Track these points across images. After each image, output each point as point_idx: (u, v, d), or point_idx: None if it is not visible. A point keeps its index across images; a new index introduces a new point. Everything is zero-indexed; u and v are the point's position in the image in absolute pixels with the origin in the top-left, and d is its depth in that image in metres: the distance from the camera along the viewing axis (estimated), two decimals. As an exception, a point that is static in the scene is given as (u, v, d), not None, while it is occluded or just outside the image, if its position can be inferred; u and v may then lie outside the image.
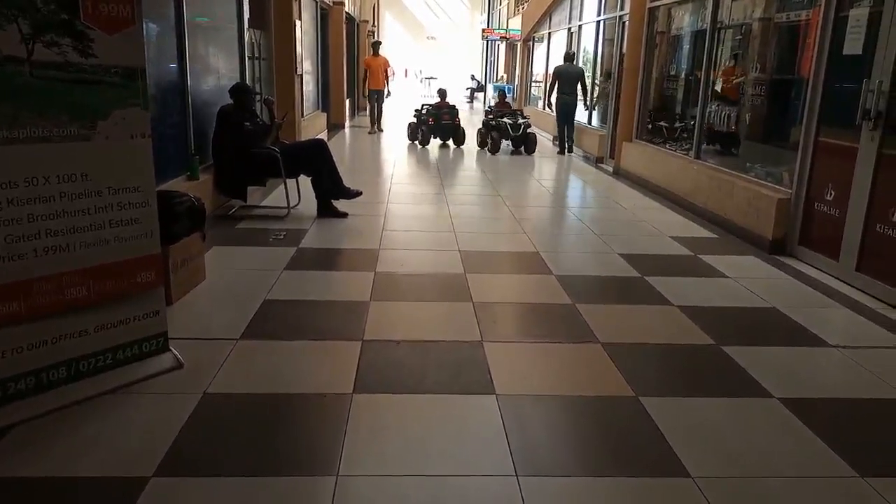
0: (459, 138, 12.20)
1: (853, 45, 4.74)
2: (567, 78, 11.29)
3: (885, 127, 4.35)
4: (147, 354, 3.03)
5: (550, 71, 13.20)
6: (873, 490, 2.33)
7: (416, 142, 12.27)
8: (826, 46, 5.01)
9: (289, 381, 2.97)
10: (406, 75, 39.45)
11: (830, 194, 4.91)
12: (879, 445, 2.66)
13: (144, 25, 4.89)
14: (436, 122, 12.09)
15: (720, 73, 7.17)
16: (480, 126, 11.98)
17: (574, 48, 13.38)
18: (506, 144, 11.56)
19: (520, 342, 3.57)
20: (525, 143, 11.40)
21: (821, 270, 4.89)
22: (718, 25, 7.16)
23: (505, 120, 11.28)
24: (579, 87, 11.35)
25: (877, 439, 2.72)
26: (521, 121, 11.35)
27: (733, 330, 3.76)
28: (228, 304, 3.89)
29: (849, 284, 4.57)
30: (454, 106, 12.54)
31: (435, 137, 12.28)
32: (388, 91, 14.98)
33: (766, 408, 2.89)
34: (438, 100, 12.58)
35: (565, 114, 11.46)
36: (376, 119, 14.05)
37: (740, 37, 7.08)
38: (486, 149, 11.44)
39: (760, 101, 6.48)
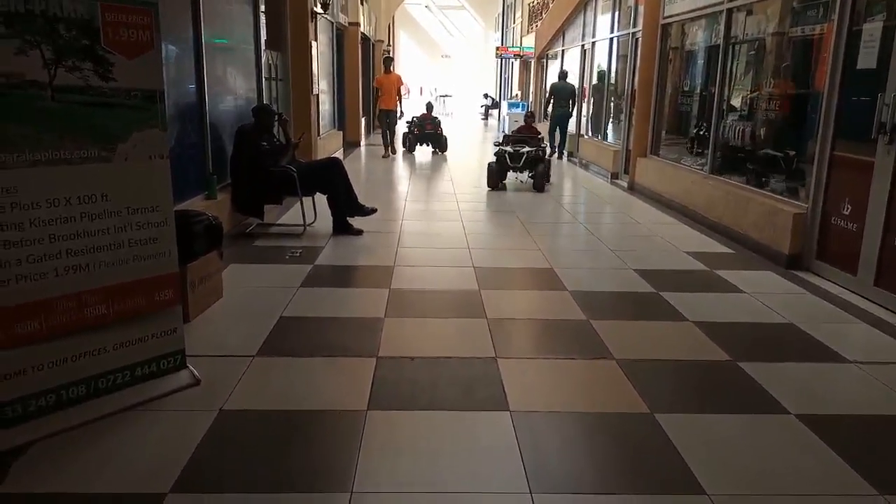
0: (441, 146, 13.99)
1: (867, 59, 4.73)
2: (561, 93, 13.12)
3: (901, 140, 4.33)
4: (164, 372, 3.07)
5: (547, 87, 15.03)
6: (893, 508, 2.29)
7: (405, 149, 14.06)
8: (840, 61, 5.00)
9: (304, 397, 2.99)
10: (421, 93, 39.79)
11: (847, 209, 4.87)
12: (899, 462, 2.63)
13: (163, 48, 5.01)
14: (420, 132, 13.95)
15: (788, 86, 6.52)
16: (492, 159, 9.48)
17: (588, 65, 13.52)
18: (514, 178, 9.56)
19: (534, 358, 3.57)
20: (534, 175, 9.25)
21: (838, 285, 4.84)
22: (732, 40, 7.16)
23: (507, 148, 9.31)
24: (572, 101, 13.19)
25: (894, 454, 2.68)
26: (525, 148, 9.27)
27: (749, 346, 3.73)
28: (245, 321, 3.93)
29: (867, 299, 4.52)
30: (436, 117, 14.35)
31: (421, 145, 14.14)
32: (401, 111, 13.55)
33: (784, 424, 2.86)
34: (425, 112, 14.30)
35: (559, 123, 13.25)
36: (390, 142, 13.06)
37: (754, 52, 7.08)
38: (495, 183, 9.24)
39: (775, 116, 6.46)
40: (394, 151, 13.31)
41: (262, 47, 7.65)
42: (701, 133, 8.72)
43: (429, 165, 12.31)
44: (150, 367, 3.02)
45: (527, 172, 9.29)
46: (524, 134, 10.21)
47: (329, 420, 2.81)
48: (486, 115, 28.32)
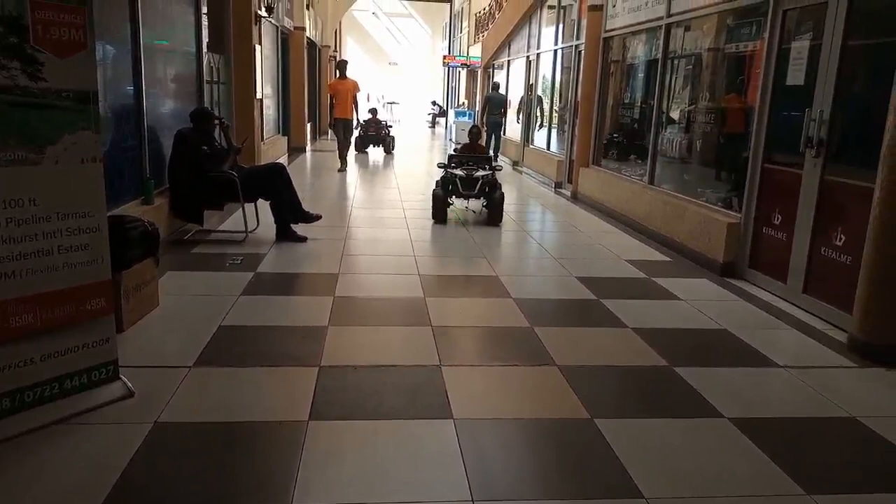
0: (386, 147, 15.52)
1: (795, 75, 4.95)
2: (495, 102, 14.62)
3: (826, 154, 4.54)
4: (96, 384, 2.96)
5: (482, 97, 16.78)
6: (819, 507, 2.39)
7: (359, 151, 15.07)
8: (771, 77, 5.21)
9: (243, 408, 2.92)
10: (368, 100, 39.58)
11: (778, 218, 5.08)
12: (826, 463, 2.74)
13: (99, 48, 4.86)
14: (366, 134, 15.26)
15: (722, 100, 6.55)
16: (437, 182, 7.79)
17: (533, 76, 13.76)
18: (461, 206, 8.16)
19: (478, 366, 3.58)
20: (489, 204, 7.53)
21: (770, 292, 5.03)
22: (671, 55, 7.39)
23: (455, 171, 7.57)
24: (503, 110, 14.66)
25: (823, 457, 2.80)
26: (479, 172, 7.53)
27: (686, 351, 3.84)
28: (182, 330, 3.82)
29: (796, 306, 4.72)
30: (381, 121, 15.99)
31: (367, 146, 15.55)
32: (358, 121, 12.46)
33: (718, 428, 2.95)
34: (370, 117, 15.51)
35: (493, 130, 14.49)
36: (345, 154, 11.82)
37: (691, 66, 7.32)
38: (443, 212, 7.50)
39: (711, 129, 6.69)
40: (344, 167, 11.88)
41: (204, 50, 7.49)
42: (615, 139, 9.04)
43: (375, 173, 12.26)
44: (80, 379, 2.90)
45: (480, 201, 7.72)
46: (471, 154, 8.28)
47: (269, 432, 2.75)
48: (434, 123, 28.44)
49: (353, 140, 12.13)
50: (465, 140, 9.15)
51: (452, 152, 8.39)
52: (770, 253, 5.16)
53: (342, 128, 11.65)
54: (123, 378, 3.04)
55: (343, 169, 11.68)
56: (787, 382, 3.50)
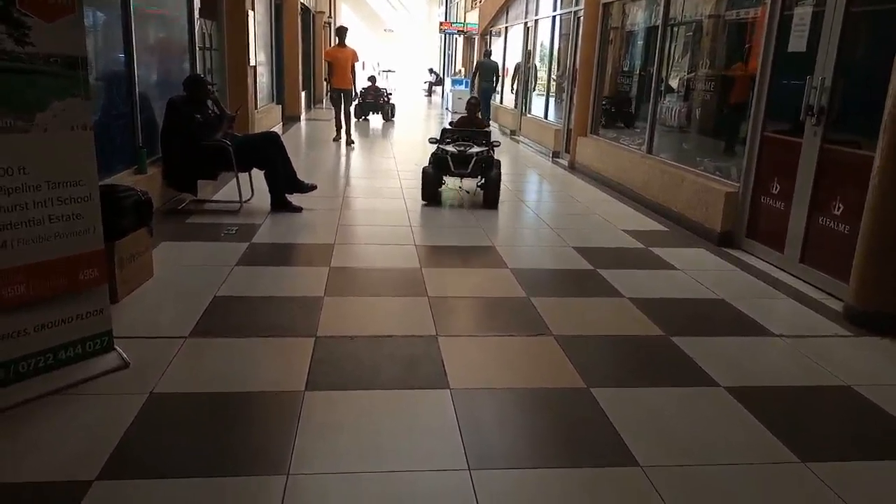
0: (385, 114, 15.80)
1: (797, 42, 4.87)
2: (486, 69, 14.89)
3: (827, 123, 4.49)
4: (91, 354, 2.94)
5: (475, 63, 17.34)
6: (814, 475, 2.40)
7: (361, 119, 15.14)
8: (772, 44, 5.14)
9: (239, 379, 2.91)
10: (363, 68, 39.06)
11: (776, 188, 5.05)
12: (821, 432, 2.76)
13: (89, 14, 4.76)
14: (365, 101, 15.49)
15: (723, 68, 6.50)
16: (429, 159, 6.99)
17: (531, 42, 13.58)
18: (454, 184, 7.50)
19: (474, 336, 3.58)
20: (484, 184, 6.78)
21: (767, 262, 5.03)
22: (671, 22, 7.28)
23: (448, 148, 6.84)
24: (495, 77, 15.05)
25: (818, 426, 2.82)
26: (473, 149, 6.82)
27: (682, 321, 3.84)
28: (177, 301, 3.81)
29: (793, 275, 4.71)
30: (379, 88, 16.12)
31: (368, 113, 15.70)
32: (356, 92, 12.09)
33: (713, 397, 2.96)
34: (369, 84, 15.85)
35: (484, 97, 14.49)
36: (344, 125, 11.22)
37: (691, 34, 7.22)
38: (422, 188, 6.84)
39: (710, 97, 6.62)
40: (351, 141, 11.25)
41: (196, 16, 7.35)
42: (614, 108, 8.98)
43: (371, 142, 12.15)
44: (74, 350, 2.89)
45: (475, 180, 6.99)
46: (468, 128, 7.55)
47: (265, 402, 2.75)
48: (430, 92, 28.12)
49: (352, 111, 11.59)
50: (463, 111, 8.78)
51: (448, 125, 7.67)
52: (768, 222, 5.14)
53: (341, 98, 11.11)
54: (118, 349, 3.03)
55: (338, 139, 11.26)
56: (782, 351, 3.51)
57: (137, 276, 3.95)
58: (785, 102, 5.01)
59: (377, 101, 15.84)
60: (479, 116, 8.21)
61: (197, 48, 7.34)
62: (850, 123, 4.56)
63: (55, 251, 2.74)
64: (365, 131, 13.94)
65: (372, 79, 16.26)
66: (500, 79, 15.44)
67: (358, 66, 11.38)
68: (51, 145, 2.68)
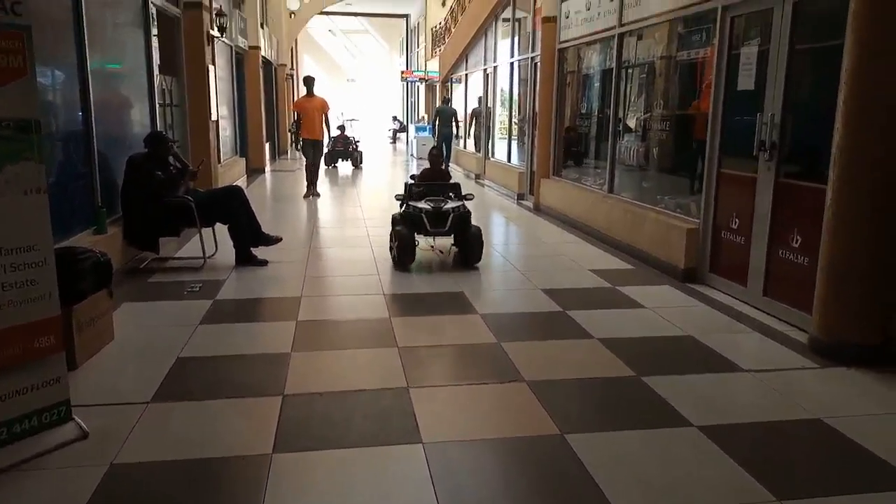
0: (354, 162, 16.56)
1: (746, 81, 5.04)
2: (445, 115, 15.63)
3: (779, 157, 4.63)
4: (47, 426, 2.83)
5: (434, 110, 17.81)
6: (790, 513, 2.39)
7: (330, 166, 16.07)
8: (722, 83, 5.30)
9: (204, 444, 2.82)
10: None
11: (735, 223, 5.15)
12: (794, 467, 2.76)
13: (46, 73, 4.72)
14: (334, 149, 16.21)
15: (676, 107, 6.69)
16: (396, 217, 6.42)
17: (490, 88, 13.88)
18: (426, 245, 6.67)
19: (446, 385, 3.54)
20: (463, 243, 6.15)
21: (731, 296, 5.09)
22: (624, 64, 7.49)
23: (420, 205, 6.11)
24: (454, 121, 15.73)
25: (792, 461, 2.81)
26: (448, 204, 6.13)
27: (652, 360, 3.84)
28: (139, 364, 3.70)
29: (758, 308, 4.78)
30: (348, 137, 16.91)
31: (336, 160, 16.55)
32: (330, 139, 11.73)
33: (687, 437, 2.95)
34: (338, 133, 16.38)
35: (445, 140, 15.35)
36: (313, 179, 10.82)
37: (645, 75, 7.43)
38: (391, 254, 6.21)
39: (667, 136, 6.79)
40: (317, 193, 10.84)
41: (156, 72, 7.34)
42: (574, 150, 9.19)
43: (337, 190, 12.16)
44: (30, 423, 2.77)
45: (449, 238, 6.31)
46: (436, 182, 6.82)
47: (232, 467, 2.66)
48: (395, 139, 28.41)
49: (321, 162, 11.30)
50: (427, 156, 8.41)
51: (410, 180, 6.89)
52: (730, 257, 5.23)
53: (311, 150, 10.70)
54: (76, 418, 2.92)
55: (309, 195, 10.71)
56: (752, 386, 3.53)
57: (97, 340, 3.84)
58: (738, 139, 5.15)
59: (346, 149, 16.56)
60: (444, 167, 7.52)
61: (157, 104, 7.32)
62: (801, 157, 4.69)
63: (8, 320, 2.66)
64: (333, 179, 14.07)
65: (341, 128, 17.02)
66: (458, 124, 16.12)
67: (331, 115, 11.16)
68: (3, 211, 2.62)
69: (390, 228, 6.28)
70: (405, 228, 6.02)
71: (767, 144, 4.67)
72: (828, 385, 3.55)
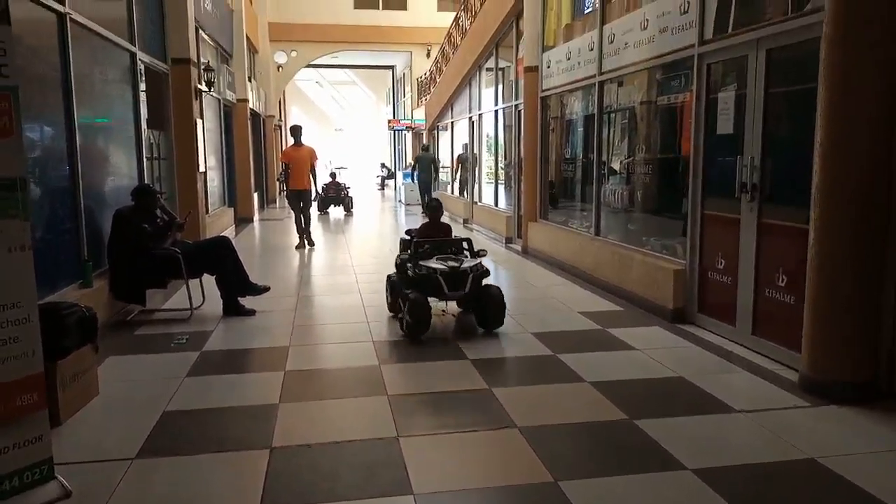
0: (346, 207, 17.15)
1: (724, 125, 5.15)
2: (424, 162, 16.66)
3: (761, 198, 4.70)
4: (29, 486, 2.76)
5: (414, 158, 19.33)
6: (788, 557, 2.35)
7: (322, 212, 16.67)
8: (702, 127, 5.42)
9: (190, 501, 2.75)
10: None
11: (721, 263, 5.20)
12: (790, 509, 2.73)
13: (34, 128, 4.75)
14: (326, 196, 16.78)
15: (659, 151, 6.79)
16: (395, 278, 5.82)
17: (476, 135, 14.11)
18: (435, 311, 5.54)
19: (436, 433, 3.48)
20: (482, 305, 5.37)
21: (720, 336, 5.10)
22: (606, 109, 7.65)
23: (434, 265, 5.29)
24: (433, 167, 16.80)
25: (786, 501, 2.78)
26: (466, 263, 5.38)
27: (644, 403, 3.82)
28: (124, 419, 3.63)
29: (747, 348, 4.78)
30: (339, 183, 17.58)
31: (328, 206, 17.18)
32: (317, 192, 11.21)
33: (681, 481, 2.91)
34: (330, 180, 17.47)
35: (425, 185, 16.46)
36: (306, 230, 10.62)
37: (626, 120, 7.58)
38: (400, 322, 5.32)
39: (650, 179, 6.89)
40: (311, 243, 10.65)
41: (144, 126, 7.41)
42: (560, 193, 9.31)
43: (326, 238, 12.18)
44: (11, 483, 2.71)
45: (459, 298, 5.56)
46: (437, 236, 5.89)
47: (218, 524, 2.60)
48: (383, 185, 28.68)
49: (312, 213, 11.02)
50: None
51: (406, 235, 6.12)
52: (717, 297, 5.26)
53: (298, 200, 10.47)
54: (59, 477, 2.85)
55: (302, 246, 10.46)
56: (745, 427, 3.50)
57: (81, 396, 3.77)
58: (720, 181, 5.24)
59: (338, 195, 17.31)
60: (445, 222, 6.28)
61: (145, 157, 7.36)
62: (783, 198, 4.76)
63: (-10, 378, 2.61)
64: (324, 225, 14.31)
65: (333, 175, 18.00)
66: (437, 170, 17.28)
67: (319, 164, 10.96)
68: (-13, 268, 2.60)
69: (407, 313, 5.15)
70: (416, 293, 5.13)
71: (749, 186, 4.75)
72: (820, 424, 3.54)
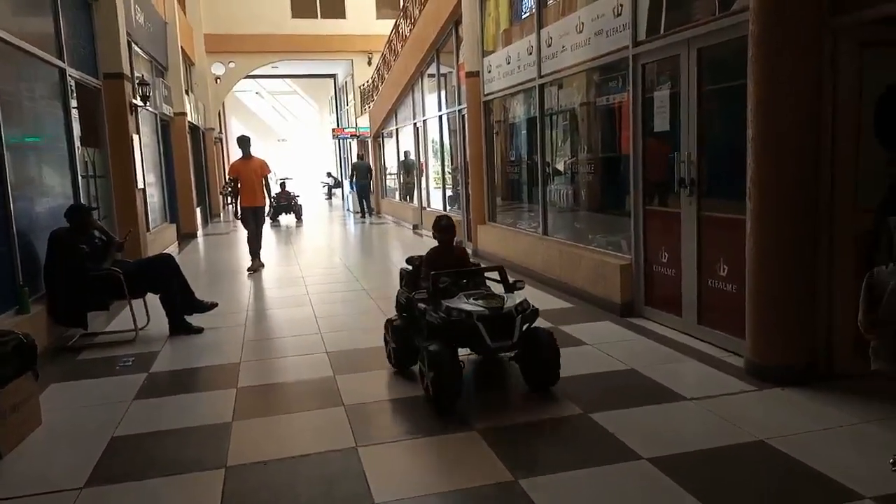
0: (296, 215, 17.76)
1: (661, 123, 5.30)
2: (360, 170, 17.90)
3: (699, 192, 4.84)
4: (-32, 525, 2.63)
5: (351, 165, 20.38)
6: (742, 537, 2.42)
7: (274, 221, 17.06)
8: (639, 125, 5.56)
9: (143, 528, 2.67)
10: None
11: (665, 256, 5.33)
12: (743, 490, 2.81)
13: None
14: (278, 205, 17.19)
15: (600, 150, 6.94)
16: (395, 317, 4.57)
17: (421, 141, 14.15)
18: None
19: (395, 441, 3.47)
20: (531, 357, 3.98)
21: (668, 327, 5.23)
22: (548, 112, 7.76)
23: (467, 307, 3.84)
24: (369, 174, 18.05)
25: (740, 484, 2.87)
26: (510, 302, 3.92)
27: (598, 396, 3.88)
28: (70, 448, 3.50)
29: (694, 337, 4.91)
30: (290, 192, 18.20)
31: (279, 214, 17.72)
32: (272, 205, 10.58)
33: (638, 471, 2.98)
34: (280, 190, 17.80)
35: (362, 192, 17.76)
36: (258, 249, 9.55)
37: (567, 122, 7.72)
38: (421, 379, 3.98)
39: (593, 178, 7.02)
40: (261, 265, 9.54)
41: (77, 144, 7.17)
42: (507, 195, 9.40)
43: (273, 250, 11.99)
44: (-53, 523, 2.57)
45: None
46: (456, 265, 4.44)
47: (174, 549, 2.52)
48: (330, 195, 28.44)
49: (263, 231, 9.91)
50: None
51: (407, 265, 4.75)
52: (663, 289, 5.39)
53: (252, 218, 9.42)
54: (1, 514, 2.72)
55: (254, 269, 9.35)
56: (695, 414, 3.60)
57: (23, 427, 3.62)
58: (660, 178, 5.38)
59: (289, 203, 17.88)
60: (459, 244, 5.18)
61: (80, 176, 7.12)
62: (720, 191, 4.92)
63: (-80, 414, 2.48)
64: (275, 234, 14.30)
65: (282, 184, 18.52)
66: (372, 177, 18.42)
67: (271, 177, 9.97)
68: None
69: (386, 334, 4.57)
70: (442, 346, 3.77)
71: (687, 181, 4.89)
72: (766, 406, 3.66)
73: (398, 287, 4.73)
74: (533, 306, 4.00)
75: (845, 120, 3.80)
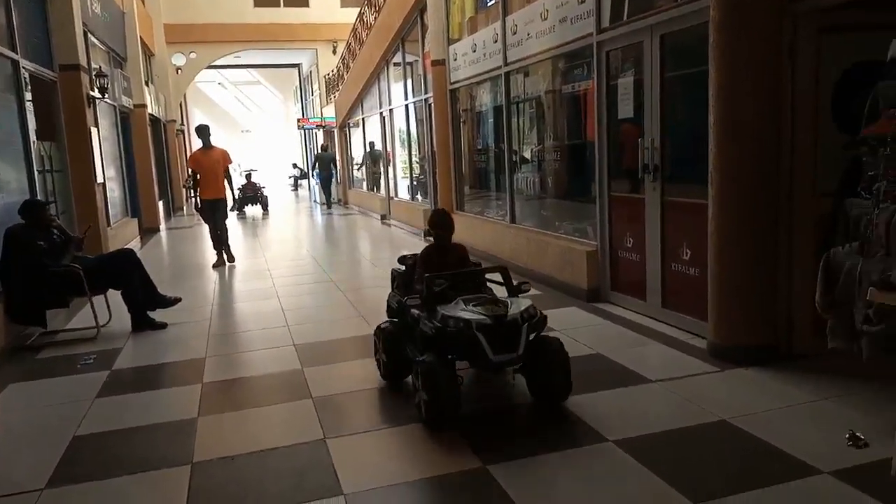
0: (263, 206, 17.75)
1: (625, 109, 5.34)
2: (324, 160, 18.39)
3: (663, 178, 4.90)
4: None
5: (314, 156, 20.85)
6: (706, 515, 2.47)
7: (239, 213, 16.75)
8: (604, 112, 5.59)
9: (107, 527, 2.62)
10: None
11: (630, 242, 5.39)
12: (706, 469, 2.87)
13: None
14: (244, 196, 17.03)
15: (566, 137, 6.99)
16: (385, 322, 4.11)
17: (388, 131, 14.07)
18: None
19: (365, 432, 3.46)
20: (540, 368, 3.54)
21: (634, 311, 5.30)
22: (514, 100, 7.77)
23: (466, 315, 3.38)
24: (332, 165, 18.60)
25: (703, 464, 2.93)
26: (515, 309, 3.46)
27: (566, 382, 3.91)
28: (30, 448, 3.42)
29: (659, 320, 4.99)
30: (255, 184, 18.13)
31: (245, 206, 17.34)
32: (235, 198, 9.79)
33: (604, 453, 3.02)
34: (245, 181, 17.98)
35: (324, 183, 18.14)
36: (224, 243, 9.10)
37: (533, 109, 7.73)
38: (415, 396, 3.55)
39: (559, 165, 7.06)
40: (231, 259, 9.18)
41: (33, 138, 6.96)
42: (474, 184, 9.41)
43: (240, 243, 11.83)
44: None
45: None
46: (454, 266, 3.99)
47: (139, 547, 2.49)
48: (297, 186, 28.15)
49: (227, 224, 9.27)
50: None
51: (400, 265, 4.37)
52: (628, 274, 5.46)
53: (213, 211, 8.88)
54: (-42, 518, 2.65)
55: (220, 264, 8.96)
56: (661, 396, 3.66)
57: (-21, 429, 3.52)
58: (624, 164, 5.42)
59: (255, 195, 17.76)
60: (457, 244, 4.30)
61: (36, 171, 6.92)
62: (683, 176, 4.98)
63: None
64: (241, 226, 14.22)
65: (248, 175, 18.49)
66: (337, 167, 18.78)
67: (232, 168, 9.52)
68: None
69: (374, 342, 4.19)
70: (437, 360, 3.40)
71: (651, 167, 4.94)
72: (728, 387, 3.74)
73: (373, 282, 4.47)
74: (541, 313, 3.56)
75: (804, 104, 3.86)
